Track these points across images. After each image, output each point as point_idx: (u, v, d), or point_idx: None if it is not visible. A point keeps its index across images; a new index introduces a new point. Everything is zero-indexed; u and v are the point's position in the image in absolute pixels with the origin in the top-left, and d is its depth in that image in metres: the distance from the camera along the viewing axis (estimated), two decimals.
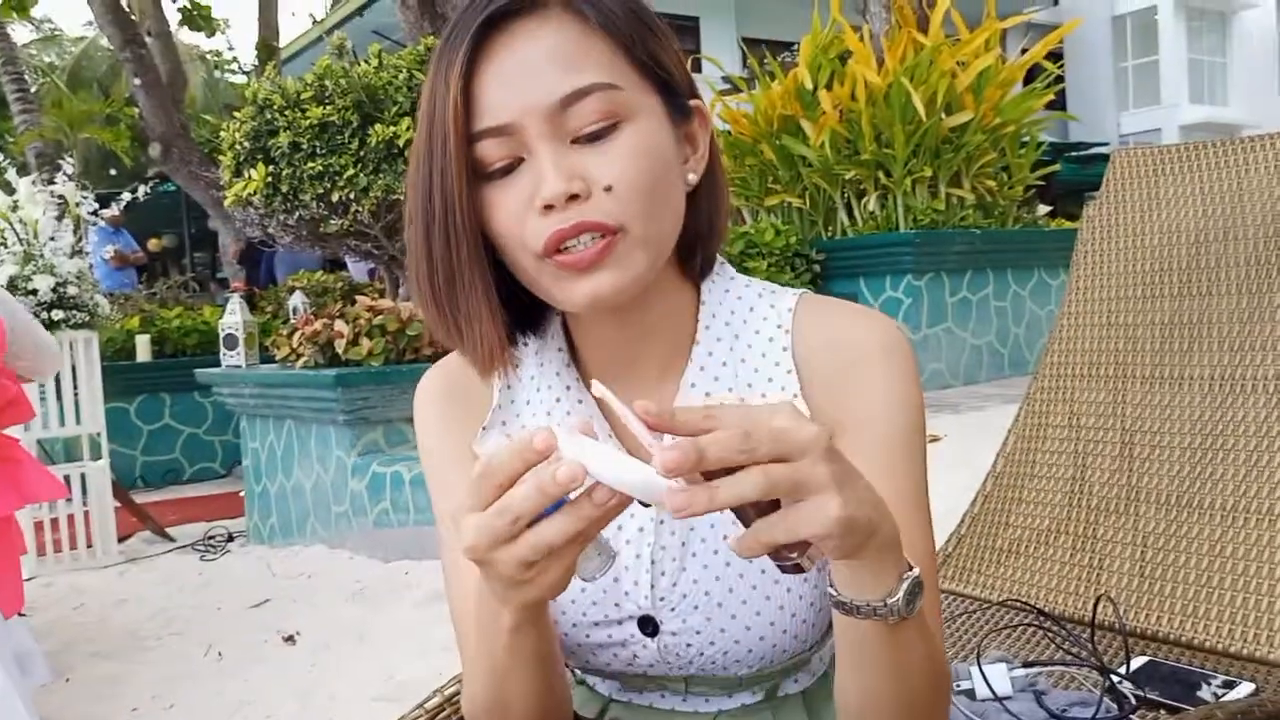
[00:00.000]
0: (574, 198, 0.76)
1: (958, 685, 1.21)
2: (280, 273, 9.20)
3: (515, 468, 0.62)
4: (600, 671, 0.92)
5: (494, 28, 0.77)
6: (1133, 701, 1.18)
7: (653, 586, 0.86)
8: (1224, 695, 1.28)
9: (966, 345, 6.05)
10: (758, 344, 0.87)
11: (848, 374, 0.85)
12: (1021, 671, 1.19)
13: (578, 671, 0.97)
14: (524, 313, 0.88)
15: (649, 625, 0.86)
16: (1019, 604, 1.73)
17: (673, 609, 0.86)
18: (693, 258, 0.88)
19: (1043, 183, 7.04)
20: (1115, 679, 1.23)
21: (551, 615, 0.86)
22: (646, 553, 0.86)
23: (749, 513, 0.61)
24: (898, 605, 0.67)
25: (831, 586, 0.70)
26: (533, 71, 0.76)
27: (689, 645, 0.86)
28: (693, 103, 0.85)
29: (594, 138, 0.77)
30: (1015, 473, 1.95)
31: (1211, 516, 1.66)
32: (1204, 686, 1.33)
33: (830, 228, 6.61)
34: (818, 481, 0.60)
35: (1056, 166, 7.38)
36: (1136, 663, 1.43)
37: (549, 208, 0.76)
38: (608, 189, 0.76)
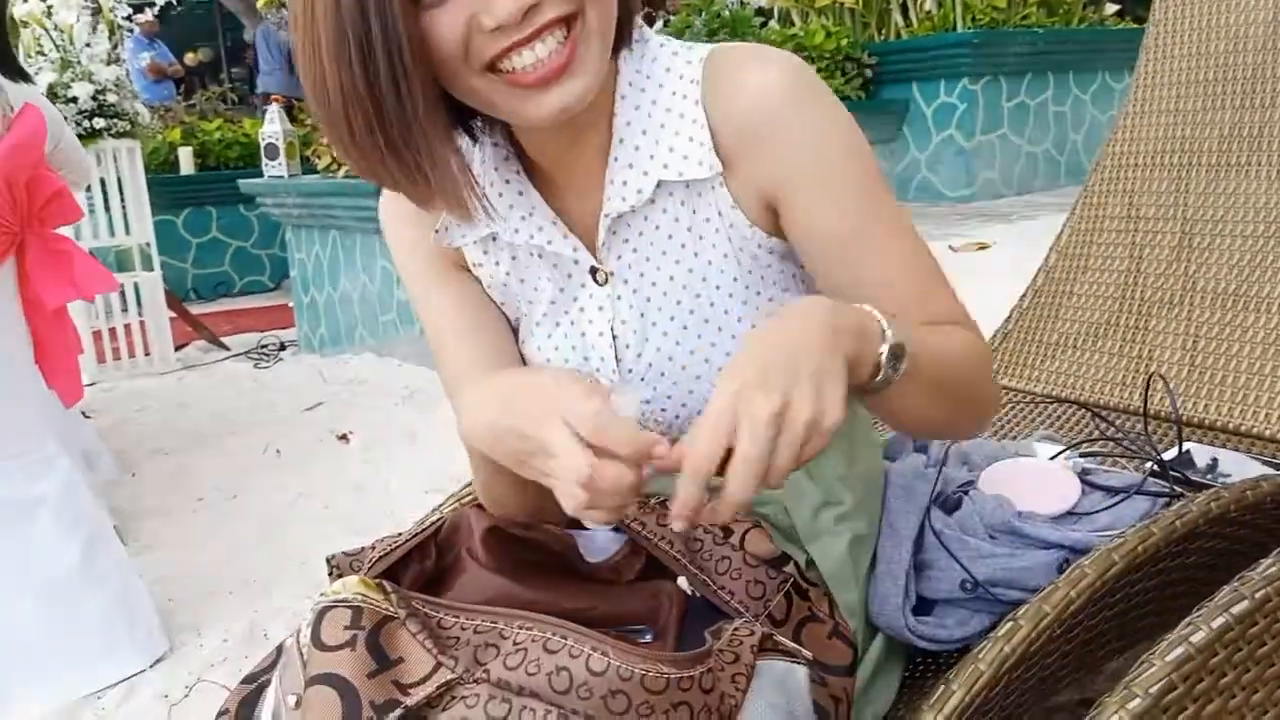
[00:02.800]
0: (529, 10, 0.72)
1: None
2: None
3: (625, 452, 0.65)
4: None
5: None
6: (1175, 487, 1.18)
7: (619, 360, 0.90)
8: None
9: (1022, 153, 5.85)
10: (674, 105, 0.84)
11: (760, 129, 0.82)
12: (1067, 453, 1.18)
13: None
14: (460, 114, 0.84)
15: None
16: (1067, 400, 1.72)
17: (642, 378, 0.89)
18: (623, 31, 0.83)
19: None
20: (1162, 461, 1.22)
21: None
22: (608, 329, 0.90)
23: None
24: (886, 375, 0.72)
25: None
26: None
27: (663, 410, 0.90)
28: None
29: None
30: (1068, 266, 1.91)
31: (1269, 307, 1.61)
32: (1262, 470, 1.32)
33: (884, 29, 6.32)
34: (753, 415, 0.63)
35: None
36: (1186, 445, 1.42)
37: (499, 28, 0.72)
38: None
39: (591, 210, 0.88)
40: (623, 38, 0.83)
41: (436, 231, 0.92)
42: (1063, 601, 0.88)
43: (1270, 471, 1.23)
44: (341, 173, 4.32)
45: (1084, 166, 6.01)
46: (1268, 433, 1.48)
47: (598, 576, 0.85)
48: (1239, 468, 1.32)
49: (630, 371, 0.90)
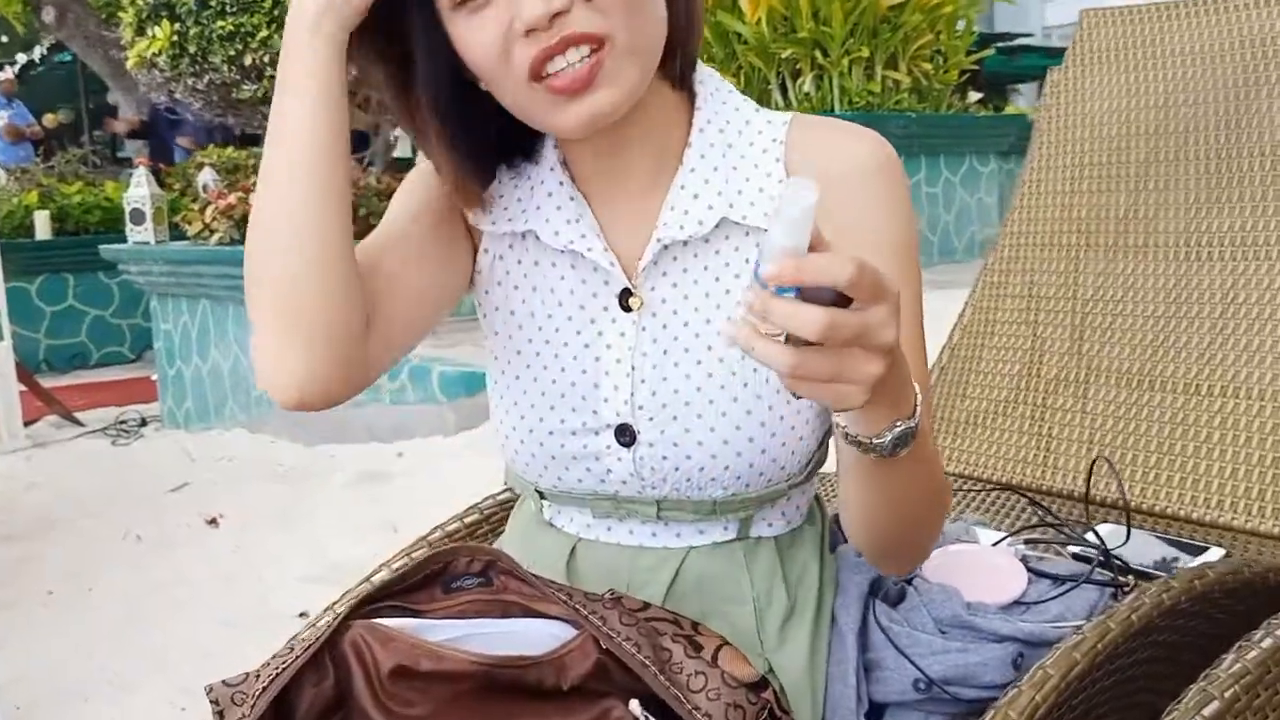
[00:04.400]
0: (556, 16, 0.73)
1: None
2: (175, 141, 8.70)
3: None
4: (569, 494, 0.90)
5: None
6: (1128, 577, 1.15)
7: (632, 393, 0.85)
8: (1193, 561, 1.26)
9: None
10: (750, 155, 0.86)
11: (838, 187, 0.82)
12: (1009, 539, 1.15)
13: (545, 510, 0.95)
14: (513, 138, 0.87)
15: (626, 434, 0.86)
16: (980, 479, 1.70)
17: (651, 418, 0.85)
18: (672, 60, 0.84)
19: (975, 67, 6.97)
20: (1107, 551, 1.20)
21: (526, 423, 0.88)
22: (627, 358, 0.86)
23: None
24: (883, 446, 0.69)
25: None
26: None
27: (665, 458, 0.85)
28: None
29: None
30: (971, 344, 1.90)
31: (1174, 387, 1.63)
32: (1175, 553, 1.31)
33: (765, 107, 6.48)
34: (882, 340, 0.59)
35: (990, 51, 7.31)
36: (1106, 528, 1.40)
37: (531, 32, 0.73)
38: (588, 0, 0.74)
39: (634, 235, 0.86)
40: (670, 66, 0.84)
41: (473, 213, 0.90)
42: (1029, 707, 0.82)
43: (1207, 558, 1.22)
44: (214, 240, 4.16)
45: (955, 245, 6.23)
46: (1182, 513, 1.48)
47: (535, 686, 0.75)
48: (1157, 550, 1.31)
49: (641, 409, 0.85)
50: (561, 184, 0.87)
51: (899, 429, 0.68)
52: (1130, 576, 1.15)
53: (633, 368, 0.85)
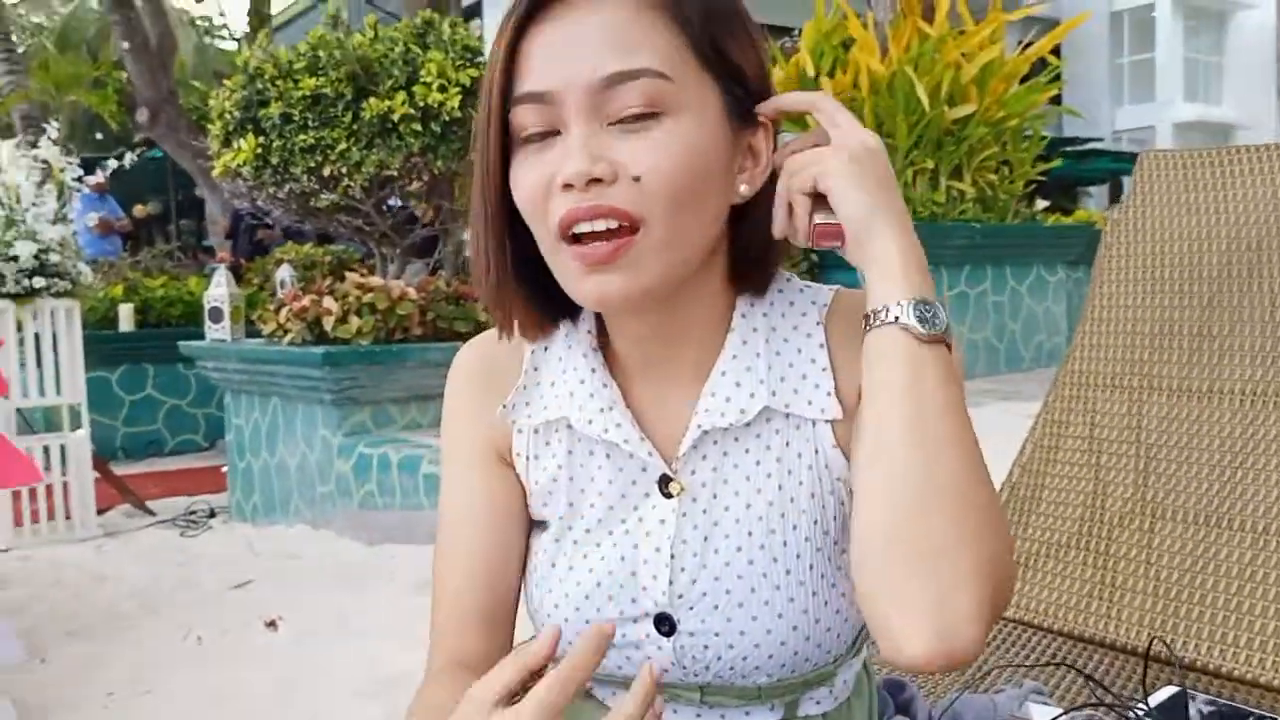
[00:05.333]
0: (596, 181, 0.73)
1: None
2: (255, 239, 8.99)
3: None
4: (611, 678, 0.89)
5: None
6: None
7: (671, 582, 0.83)
8: None
9: (963, 340, 5.99)
10: (794, 339, 0.84)
11: None
12: (1059, 716, 1.13)
13: (591, 685, 0.93)
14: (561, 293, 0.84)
15: (665, 624, 0.83)
16: (1038, 626, 1.67)
17: (691, 607, 0.82)
18: (747, 276, 0.84)
19: (1043, 178, 6.98)
20: None
21: (561, 613, 0.85)
22: (666, 546, 0.83)
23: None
24: (917, 309, 0.74)
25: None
26: (582, 45, 0.74)
27: (706, 648, 0.82)
28: (761, 116, 0.81)
29: (633, 123, 0.73)
30: (1031, 484, 1.89)
31: (1241, 538, 1.60)
32: None
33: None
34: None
35: (1058, 162, 7.32)
36: (1167, 692, 1.37)
37: (569, 186, 0.73)
38: (636, 179, 0.73)
39: (673, 419, 0.85)
40: (747, 279, 0.84)
41: (504, 406, 0.88)
42: None
43: None
44: (286, 340, 4.27)
45: (1022, 355, 6.17)
46: (1249, 676, 1.44)
47: None
48: None
49: (681, 597, 0.82)
50: (594, 370, 0.86)
51: (926, 290, 0.75)
52: None
53: (672, 556, 0.83)
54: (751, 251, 0.83)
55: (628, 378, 0.87)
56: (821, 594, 0.82)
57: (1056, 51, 7.87)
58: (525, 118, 0.75)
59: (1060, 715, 1.12)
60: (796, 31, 7.26)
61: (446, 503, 0.92)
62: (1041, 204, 7.99)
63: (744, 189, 0.80)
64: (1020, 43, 7.07)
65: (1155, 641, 1.48)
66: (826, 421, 0.83)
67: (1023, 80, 6.90)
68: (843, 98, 6.18)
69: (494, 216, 0.80)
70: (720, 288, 0.84)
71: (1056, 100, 8.81)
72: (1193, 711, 1.29)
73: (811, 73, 6.43)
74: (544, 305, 0.85)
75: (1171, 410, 1.78)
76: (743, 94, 0.79)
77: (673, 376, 0.85)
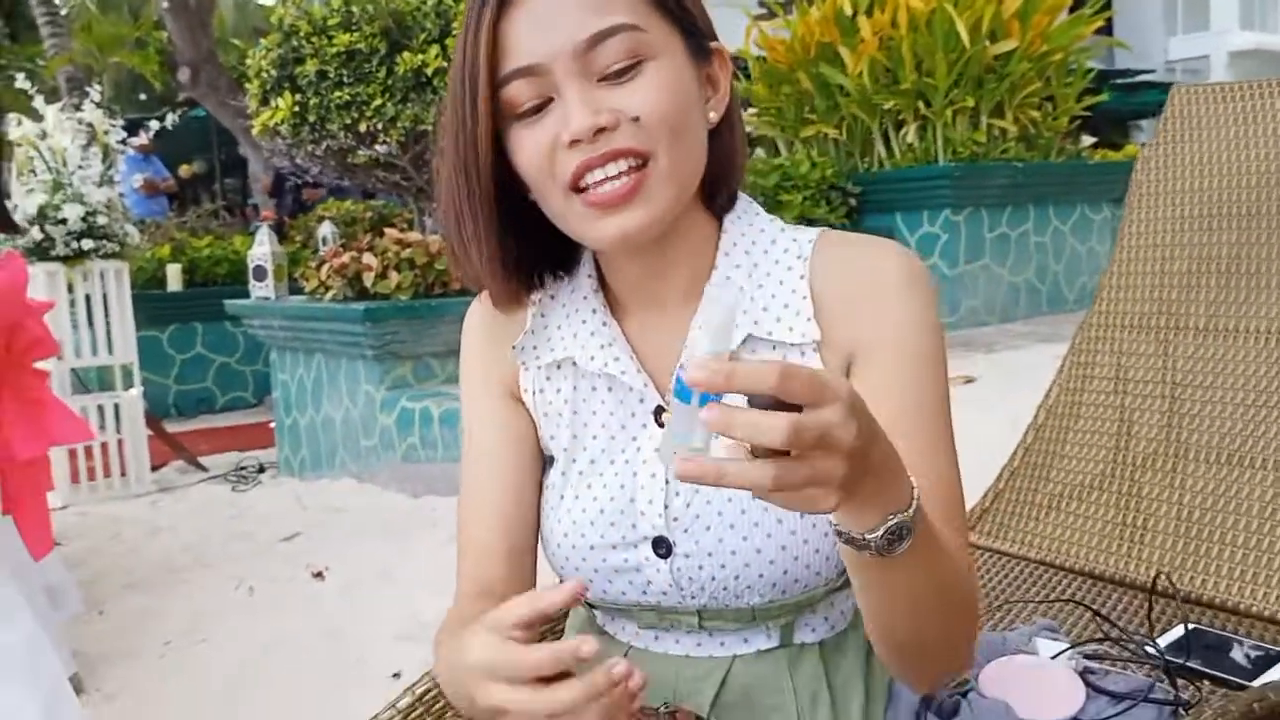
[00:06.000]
0: (601, 131, 0.78)
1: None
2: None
3: (553, 670, 0.66)
4: (615, 604, 0.94)
5: None
6: (1199, 683, 1.14)
7: (666, 506, 0.88)
8: (1270, 672, 1.23)
9: (1004, 282, 5.93)
10: (775, 272, 0.90)
11: (865, 299, 0.87)
12: (1069, 653, 1.14)
13: (598, 616, 0.99)
14: (558, 248, 0.92)
15: (662, 546, 0.88)
16: (1060, 567, 1.68)
17: (685, 529, 0.87)
18: (717, 195, 0.91)
19: (1088, 113, 6.83)
20: (1169, 669, 1.19)
21: (569, 540, 0.92)
22: (661, 472, 0.89)
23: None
24: (876, 542, 0.68)
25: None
26: (560, 14, 0.79)
27: (701, 568, 0.88)
28: (713, 45, 0.88)
29: (620, 75, 0.80)
30: (1057, 425, 1.88)
31: (1264, 476, 1.59)
32: (1255, 660, 1.28)
33: (867, 159, 6.46)
34: (839, 439, 0.59)
35: (1104, 96, 7.16)
36: (1178, 630, 1.38)
37: (576, 143, 0.78)
38: (635, 119, 0.79)
39: (667, 352, 0.91)
40: (718, 196, 0.91)
41: (514, 348, 0.95)
42: None
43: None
44: (328, 297, 4.33)
45: (1065, 296, 6.09)
46: (1267, 613, 1.45)
47: None
48: (1237, 657, 1.28)
49: (676, 520, 0.88)
50: (595, 311, 0.92)
51: (891, 523, 0.67)
52: (1196, 690, 1.14)
53: (667, 481, 0.88)
54: (722, 169, 0.90)
55: (625, 315, 0.93)
56: (809, 517, 0.86)
57: None
58: (518, 93, 0.80)
59: (1067, 649, 1.14)
60: None
61: (467, 441, 0.99)
62: (1088, 140, 7.84)
63: (713, 115, 0.87)
64: None
65: (1162, 578, 1.48)
66: (815, 352, 0.88)
67: (1070, 11, 6.75)
68: (880, 36, 6.09)
69: (484, 196, 0.84)
70: (701, 214, 0.91)
71: (1105, 31, 8.59)
72: (1215, 641, 1.30)
73: (849, 11, 6.33)
74: (524, 275, 0.92)
75: (1199, 350, 1.76)
76: (697, 33, 0.86)
77: (664, 311, 0.91)
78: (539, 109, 0.80)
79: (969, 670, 0.98)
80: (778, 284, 0.89)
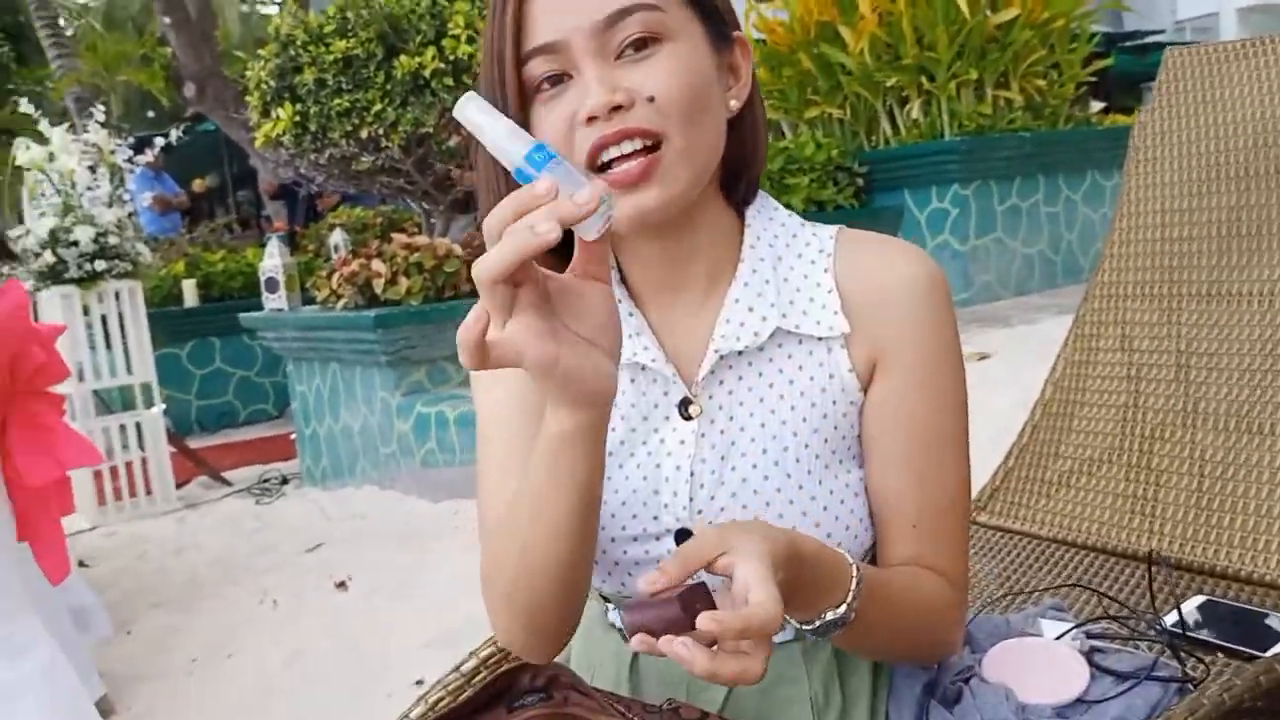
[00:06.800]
0: (617, 109, 0.79)
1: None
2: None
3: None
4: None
5: None
6: (1211, 656, 1.13)
7: (691, 499, 0.88)
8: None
9: (1018, 255, 5.88)
10: (799, 266, 0.91)
11: (891, 304, 0.89)
12: (1074, 633, 1.14)
13: (610, 613, 0.98)
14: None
15: (686, 539, 0.88)
16: (1072, 544, 1.67)
17: (710, 522, 0.88)
18: (736, 184, 0.92)
19: (1095, 79, 6.76)
20: (1173, 644, 1.18)
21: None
22: (686, 465, 0.89)
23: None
24: (813, 631, 0.77)
25: None
26: None
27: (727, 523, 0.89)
28: (735, 34, 0.89)
29: (638, 54, 0.81)
30: (1065, 400, 1.87)
31: (1271, 441, 1.57)
32: (1267, 628, 1.27)
33: (873, 138, 6.42)
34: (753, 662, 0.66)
35: (1110, 60, 7.08)
36: (1195, 601, 1.37)
37: (593, 119, 0.80)
38: (650, 99, 0.80)
39: (691, 345, 0.91)
40: (737, 186, 0.92)
41: None
42: None
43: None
44: (340, 305, 4.35)
45: (1080, 265, 6.04)
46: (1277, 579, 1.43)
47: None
48: (1246, 627, 1.27)
49: (700, 513, 0.88)
50: (620, 301, 0.91)
51: (825, 620, 0.77)
52: (1205, 663, 1.13)
53: (692, 474, 0.88)
54: (742, 159, 0.90)
55: (643, 304, 0.93)
56: (832, 509, 0.88)
57: None
58: (537, 68, 0.82)
59: (1071, 628, 1.13)
60: None
61: (482, 425, 0.97)
62: (1097, 106, 7.75)
63: (733, 103, 0.88)
64: None
65: (1173, 549, 1.47)
66: (842, 346, 0.89)
67: None
68: (880, 12, 6.04)
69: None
70: (721, 205, 0.92)
71: None
72: (1224, 611, 1.29)
73: None
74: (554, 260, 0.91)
75: (1203, 316, 1.75)
76: (718, 20, 0.87)
77: (684, 300, 0.92)
78: (558, 82, 0.82)
79: (959, 651, 0.97)
80: (802, 278, 0.90)
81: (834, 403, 0.89)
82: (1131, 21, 17.62)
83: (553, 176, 0.67)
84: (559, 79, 0.82)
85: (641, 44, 0.81)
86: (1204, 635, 1.25)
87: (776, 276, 0.90)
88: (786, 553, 0.71)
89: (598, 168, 0.81)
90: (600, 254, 0.72)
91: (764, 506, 0.87)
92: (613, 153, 0.80)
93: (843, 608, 0.77)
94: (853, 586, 0.77)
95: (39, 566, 1.94)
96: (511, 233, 0.66)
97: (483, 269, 0.67)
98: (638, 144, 0.80)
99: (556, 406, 0.75)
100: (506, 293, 0.68)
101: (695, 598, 0.67)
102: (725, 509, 0.88)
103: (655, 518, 0.89)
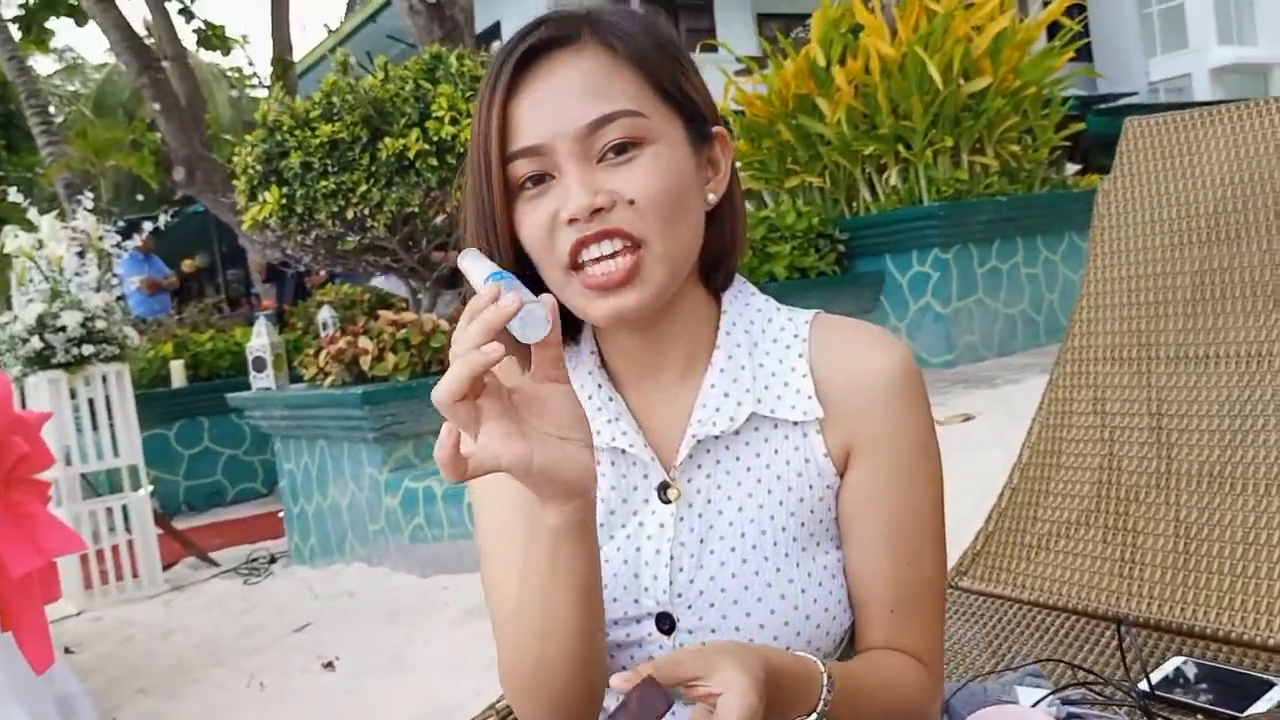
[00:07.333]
0: (598, 211, 0.82)
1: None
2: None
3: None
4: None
5: (534, 57, 0.85)
6: None
7: (671, 582, 0.89)
8: (1258, 704, 1.23)
9: (999, 316, 5.94)
10: (775, 351, 0.93)
11: (865, 394, 0.90)
12: (1050, 699, 1.14)
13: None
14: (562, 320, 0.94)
15: (666, 622, 0.89)
16: (1052, 606, 1.68)
17: (689, 606, 0.89)
18: (715, 273, 0.94)
19: (1069, 142, 6.89)
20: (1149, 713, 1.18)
21: None
22: (666, 548, 0.90)
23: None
24: None
25: None
26: (565, 98, 0.84)
27: (704, 644, 0.87)
28: (715, 129, 0.91)
29: (619, 157, 0.83)
30: (1042, 464, 1.89)
31: (1244, 501, 1.59)
32: (1243, 687, 1.27)
33: (853, 205, 6.51)
34: None
35: (1082, 125, 7.21)
36: (1174, 663, 1.37)
37: (574, 221, 0.82)
38: (631, 202, 0.83)
39: (669, 428, 0.92)
40: (716, 274, 0.94)
41: None
42: None
43: (1271, 696, 1.18)
44: (327, 383, 4.36)
45: (1062, 324, 6.09)
46: (1258, 639, 1.44)
47: None
48: (1220, 688, 1.28)
49: (680, 596, 0.89)
50: (600, 386, 0.93)
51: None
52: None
53: (671, 557, 0.89)
54: (721, 248, 0.93)
55: (624, 388, 0.95)
56: (810, 592, 0.89)
57: (1080, 9, 7.76)
58: (521, 169, 0.85)
59: (1046, 695, 1.14)
60: (809, 20, 7.24)
61: (479, 515, 0.99)
62: (1073, 168, 7.89)
63: (712, 196, 0.91)
64: (1044, 3, 6.98)
65: (1172, 605, 1.48)
66: (817, 431, 0.91)
67: (1048, 38, 6.83)
68: (855, 84, 6.17)
69: (507, 262, 0.87)
70: (699, 292, 0.94)
71: (1085, 56, 8.66)
72: (1199, 672, 1.30)
73: (823, 62, 6.42)
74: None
75: (1173, 379, 1.78)
76: (698, 118, 0.89)
77: (662, 384, 0.94)
78: (540, 181, 0.84)
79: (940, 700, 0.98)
80: (777, 362, 0.92)
81: (810, 487, 0.91)
82: (1106, 84, 17.98)
83: (498, 284, 0.73)
84: (542, 179, 0.84)
85: (623, 148, 0.83)
86: (1181, 697, 1.26)
87: (752, 362, 0.92)
88: (765, 677, 0.74)
89: (577, 266, 0.83)
90: (553, 358, 0.76)
91: (742, 590, 0.88)
92: (593, 252, 0.83)
93: (814, 716, 0.79)
94: (823, 694, 0.79)
95: (23, 656, 1.93)
96: (456, 356, 0.71)
97: (440, 394, 0.71)
98: (618, 244, 0.83)
99: (544, 503, 0.78)
100: (468, 409, 0.73)
101: (654, 700, 0.71)
102: (704, 592, 0.88)
103: (636, 601, 0.90)
